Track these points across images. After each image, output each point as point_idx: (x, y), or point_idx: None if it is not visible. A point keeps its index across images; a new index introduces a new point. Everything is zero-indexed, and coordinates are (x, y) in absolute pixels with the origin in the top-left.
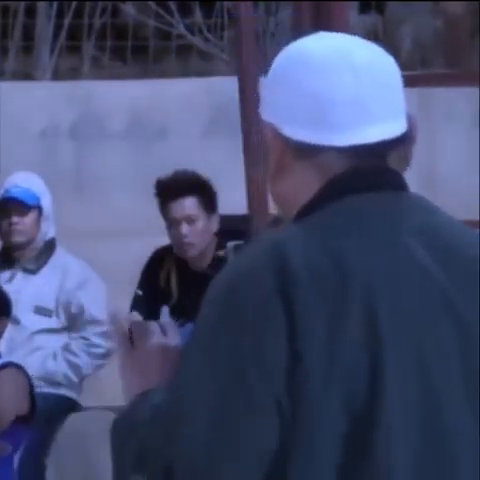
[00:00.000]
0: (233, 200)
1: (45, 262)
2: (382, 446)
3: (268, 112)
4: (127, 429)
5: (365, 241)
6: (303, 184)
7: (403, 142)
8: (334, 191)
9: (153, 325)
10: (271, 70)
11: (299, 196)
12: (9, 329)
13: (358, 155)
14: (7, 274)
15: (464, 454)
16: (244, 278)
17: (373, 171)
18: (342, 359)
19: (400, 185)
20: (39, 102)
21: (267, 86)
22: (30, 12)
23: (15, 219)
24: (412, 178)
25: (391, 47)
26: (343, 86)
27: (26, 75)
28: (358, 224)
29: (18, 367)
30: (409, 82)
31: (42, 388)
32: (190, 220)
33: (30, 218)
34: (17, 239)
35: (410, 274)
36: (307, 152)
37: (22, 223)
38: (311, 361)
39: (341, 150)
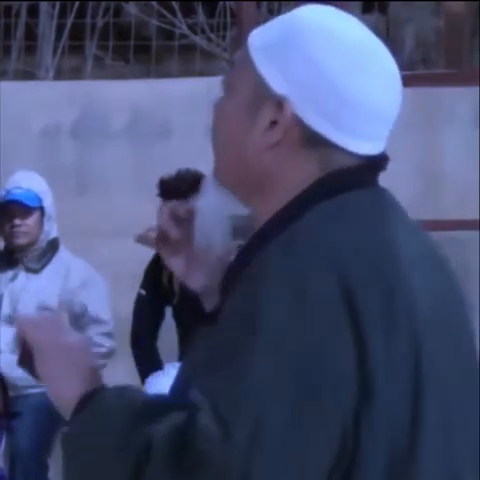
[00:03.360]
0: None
1: (48, 262)
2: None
3: (281, 82)
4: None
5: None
6: (300, 171)
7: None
8: (343, 183)
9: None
10: (293, 37)
11: (287, 181)
12: (11, 328)
13: (366, 160)
14: (10, 273)
15: None
16: (309, 283)
17: (372, 167)
18: (396, 372)
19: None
20: (42, 101)
21: (286, 53)
22: (32, 12)
23: (17, 221)
24: (414, 178)
25: (393, 47)
26: (374, 92)
27: (29, 75)
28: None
29: None
30: (411, 82)
31: (44, 387)
32: None
33: (32, 219)
34: (20, 241)
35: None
36: (318, 143)
37: (24, 225)
38: (377, 375)
39: (353, 154)
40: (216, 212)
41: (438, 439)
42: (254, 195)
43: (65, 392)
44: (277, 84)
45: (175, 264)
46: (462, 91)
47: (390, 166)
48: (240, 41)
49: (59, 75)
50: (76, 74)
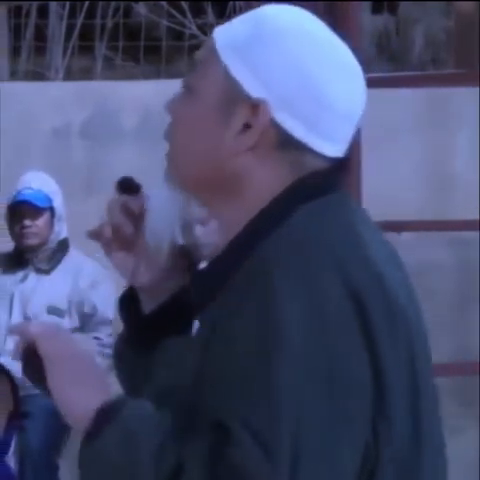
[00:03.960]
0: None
1: (58, 262)
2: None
3: (255, 83)
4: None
5: (379, 252)
6: (272, 174)
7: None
8: (319, 187)
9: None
10: (266, 37)
11: (259, 184)
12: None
13: (334, 162)
14: (20, 274)
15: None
16: (324, 296)
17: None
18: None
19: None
20: (51, 102)
21: (259, 53)
22: (42, 12)
23: (27, 222)
24: (422, 178)
25: (403, 47)
26: (347, 94)
27: (38, 75)
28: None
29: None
30: (420, 82)
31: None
32: (203, 221)
33: (43, 220)
34: (30, 242)
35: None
36: (291, 146)
37: (35, 226)
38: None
39: (325, 157)
40: (167, 212)
41: (432, 451)
42: (221, 199)
43: (80, 403)
44: (251, 86)
45: (118, 260)
46: (472, 91)
47: (397, 166)
48: None
49: (69, 76)
50: (86, 75)
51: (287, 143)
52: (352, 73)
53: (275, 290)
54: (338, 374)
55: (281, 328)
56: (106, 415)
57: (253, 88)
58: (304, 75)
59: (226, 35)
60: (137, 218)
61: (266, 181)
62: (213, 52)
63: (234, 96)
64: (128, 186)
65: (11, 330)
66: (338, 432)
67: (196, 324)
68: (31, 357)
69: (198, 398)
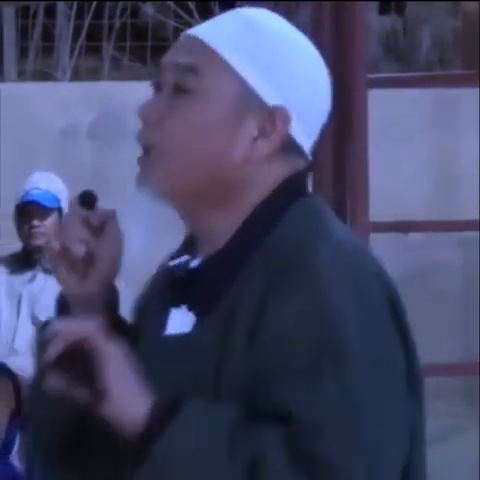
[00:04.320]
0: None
1: None
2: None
3: (271, 91)
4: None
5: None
6: (273, 177)
7: None
8: (297, 188)
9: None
10: (276, 45)
11: (260, 187)
12: (30, 329)
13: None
14: (28, 274)
15: None
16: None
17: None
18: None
19: None
20: (59, 102)
21: (271, 61)
22: (50, 13)
23: (35, 222)
24: (429, 178)
25: (410, 47)
26: (328, 95)
27: (46, 75)
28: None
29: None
30: (427, 83)
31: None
32: None
33: (50, 220)
34: (38, 242)
35: None
36: (292, 149)
37: (42, 226)
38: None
39: (306, 158)
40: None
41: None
42: (213, 206)
43: (137, 402)
44: (266, 92)
45: (67, 270)
46: (478, 92)
47: (404, 166)
48: None
49: (76, 76)
50: (93, 75)
51: (291, 147)
52: (325, 71)
53: (325, 283)
54: (397, 374)
55: (341, 326)
56: (169, 409)
57: (268, 94)
58: (308, 79)
59: (221, 37)
60: (95, 231)
61: (266, 187)
62: (209, 53)
63: (247, 101)
64: (89, 200)
65: (59, 329)
66: (400, 425)
67: (174, 325)
68: (71, 358)
69: (247, 391)
